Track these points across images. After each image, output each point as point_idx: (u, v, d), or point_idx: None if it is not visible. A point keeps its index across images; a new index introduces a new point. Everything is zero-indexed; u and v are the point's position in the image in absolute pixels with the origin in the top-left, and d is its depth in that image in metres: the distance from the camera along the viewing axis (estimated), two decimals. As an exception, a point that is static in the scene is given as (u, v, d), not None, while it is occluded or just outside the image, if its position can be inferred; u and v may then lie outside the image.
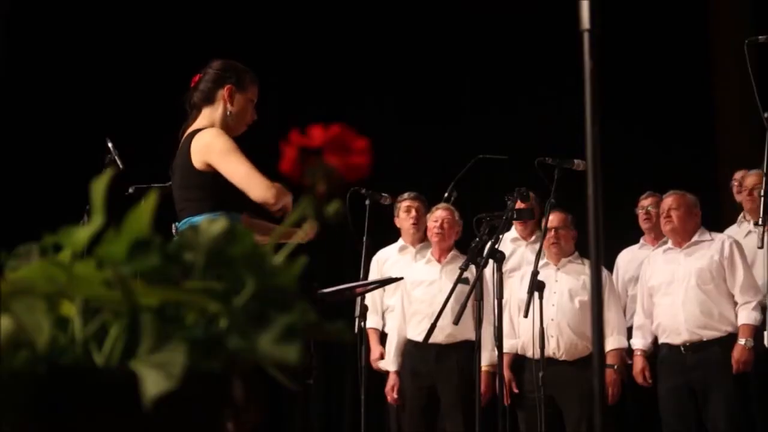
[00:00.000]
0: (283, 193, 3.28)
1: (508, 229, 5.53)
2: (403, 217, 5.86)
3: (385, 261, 5.89)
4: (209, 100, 3.58)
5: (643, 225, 5.88)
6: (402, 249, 5.90)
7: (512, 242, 5.81)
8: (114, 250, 1.08)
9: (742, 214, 5.63)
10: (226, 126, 3.55)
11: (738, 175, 5.71)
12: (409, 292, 5.55)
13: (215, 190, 3.41)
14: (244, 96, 3.61)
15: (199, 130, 3.50)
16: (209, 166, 3.40)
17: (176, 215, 3.57)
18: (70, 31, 7.12)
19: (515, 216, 4.70)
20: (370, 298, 5.79)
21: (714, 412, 5.06)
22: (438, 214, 5.56)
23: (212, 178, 3.41)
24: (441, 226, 5.52)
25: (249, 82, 3.63)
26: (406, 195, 5.88)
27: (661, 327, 5.27)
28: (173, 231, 3.60)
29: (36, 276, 1.06)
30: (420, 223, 5.82)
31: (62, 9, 7.09)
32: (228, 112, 3.56)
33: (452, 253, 5.55)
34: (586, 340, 5.18)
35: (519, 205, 4.69)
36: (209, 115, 3.57)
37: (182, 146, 3.52)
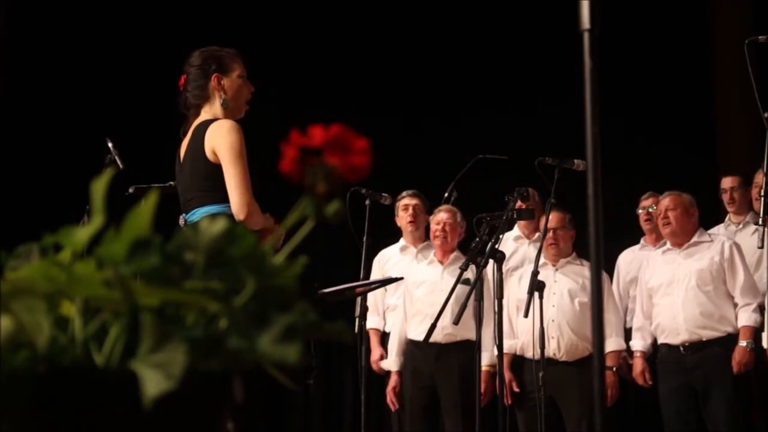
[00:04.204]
0: (258, 219, 3.35)
1: (510, 229, 5.55)
2: (402, 216, 5.87)
3: (386, 261, 5.89)
4: (203, 96, 3.58)
5: (644, 226, 5.88)
6: (403, 249, 5.90)
7: (515, 241, 5.81)
8: (114, 250, 1.08)
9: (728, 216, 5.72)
10: (230, 113, 3.56)
11: (725, 184, 5.77)
12: (411, 292, 5.55)
13: (224, 181, 3.42)
14: (231, 78, 3.59)
15: (210, 120, 3.50)
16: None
17: (181, 208, 3.57)
18: (70, 32, 7.12)
19: (515, 216, 4.70)
20: (372, 299, 5.79)
21: (714, 412, 5.07)
22: (440, 217, 5.56)
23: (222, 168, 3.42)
24: (443, 229, 5.53)
25: (230, 62, 3.62)
26: (404, 193, 5.89)
27: (660, 327, 5.27)
28: (181, 223, 3.60)
29: (36, 276, 1.06)
30: (418, 222, 5.83)
31: (62, 9, 7.09)
32: (223, 100, 3.56)
33: (455, 254, 5.56)
34: (586, 341, 5.18)
35: (519, 205, 4.69)
36: (210, 110, 3.57)
37: (194, 136, 3.52)
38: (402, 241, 5.93)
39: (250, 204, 3.34)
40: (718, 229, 5.67)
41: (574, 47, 1.77)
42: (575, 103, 1.81)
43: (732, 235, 5.51)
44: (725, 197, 5.73)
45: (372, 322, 5.80)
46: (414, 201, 5.84)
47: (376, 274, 5.80)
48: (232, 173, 3.37)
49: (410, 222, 5.82)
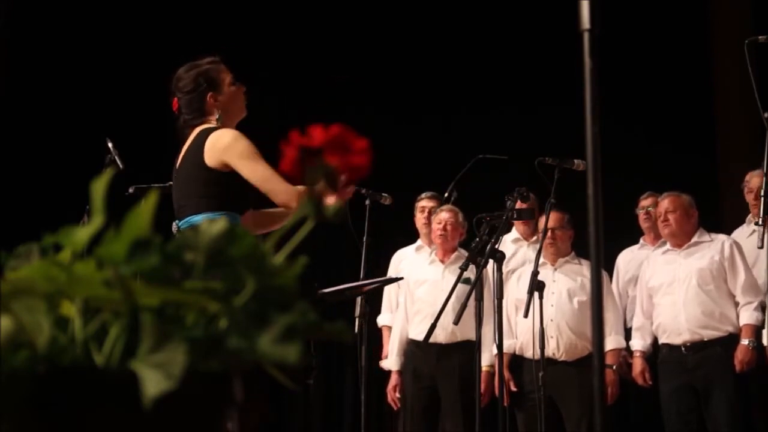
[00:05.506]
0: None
1: (509, 230, 5.55)
2: (418, 217, 5.94)
3: (401, 260, 5.94)
4: (202, 116, 3.56)
5: (643, 225, 5.88)
6: (418, 248, 5.95)
7: (513, 243, 5.82)
8: (114, 250, 1.08)
9: (750, 215, 5.63)
10: (230, 121, 3.54)
11: (749, 176, 5.68)
12: (412, 292, 5.57)
13: (221, 188, 3.39)
14: (224, 92, 3.55)
15: (212, 129, 3.48)
16: (224, 165, 3.38)
17: (175, 214, 3.55)
18: (71, 32, 7.12)
19: (515, 216, 4.70)
20: (386, 296, 5.84)
21: (715, 412, 5.07)
22: (441, 216, 5.59)
23: (221, 176, 3.39)
24: (444, 228, 5.55)
25: (218, 75, 3.57)
26: (423, 195, 5.95)
27: (661, 327, 5.27)
28: (173, 230, 3.59)
29: (36, 276, 1.06)
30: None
31: (62, 9, 7.09)
32: (219, 116, 3.54)
33: (456, 253, 5.58)
34: (585, 340, 5.18)
35: (519, 205, 4.69)
36: (212, 122, 3.55)
37: (193, 144, 3.49)
38: (419, 242, 5.97)
39: (294, 191, 3.26)
40: (742, 229, 5.60)
41: (574, 47, 1.77)
42: (575, 103, 1.81)
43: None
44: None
45: (385, 319, 5.86)
46: (431, 204, 5.89)
47: (391, 273, 5.86)
48: (260, 173, 3.31)
49: (425, 224, 5.87)
